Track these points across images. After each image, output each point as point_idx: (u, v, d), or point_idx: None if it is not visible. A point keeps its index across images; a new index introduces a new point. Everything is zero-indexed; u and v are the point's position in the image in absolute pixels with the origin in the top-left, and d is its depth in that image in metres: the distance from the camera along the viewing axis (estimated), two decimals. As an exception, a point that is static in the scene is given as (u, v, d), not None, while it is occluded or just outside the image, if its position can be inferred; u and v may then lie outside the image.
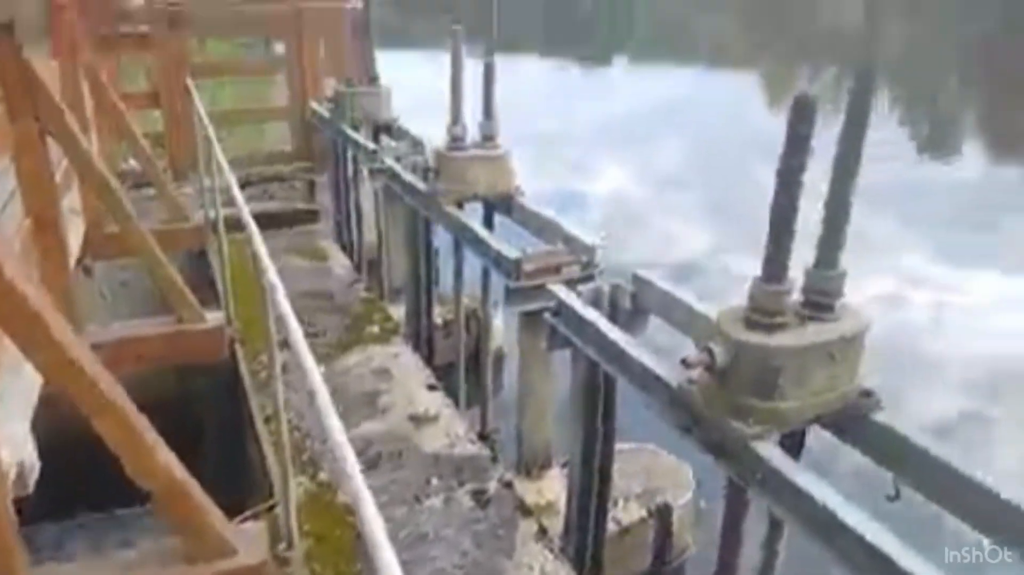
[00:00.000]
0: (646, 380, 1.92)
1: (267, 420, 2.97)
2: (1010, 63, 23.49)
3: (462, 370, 3.72)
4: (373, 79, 4.81)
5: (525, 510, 2.53)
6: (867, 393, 1.63)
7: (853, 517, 1.37)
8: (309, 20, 5.48)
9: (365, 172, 4.50)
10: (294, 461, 2.61)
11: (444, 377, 3.66)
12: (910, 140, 14.78)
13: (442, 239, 3.88)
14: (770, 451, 1.54)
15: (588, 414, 2.35)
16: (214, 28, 6.49)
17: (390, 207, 4.36)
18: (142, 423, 1.68)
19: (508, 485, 2.64)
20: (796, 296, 1.61)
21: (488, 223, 3.38)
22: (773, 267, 1.53)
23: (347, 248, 5.32)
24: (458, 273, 3.56)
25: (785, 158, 1.42)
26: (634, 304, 2.37)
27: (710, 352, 1.57)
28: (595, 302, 2.33)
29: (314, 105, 5.38)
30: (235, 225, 2.71)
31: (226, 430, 3.66)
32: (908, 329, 6.40)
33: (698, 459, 2.23)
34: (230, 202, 2.70)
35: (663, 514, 2.94)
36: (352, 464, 0.99)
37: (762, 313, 1.55)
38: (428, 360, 3.93)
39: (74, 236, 3.26)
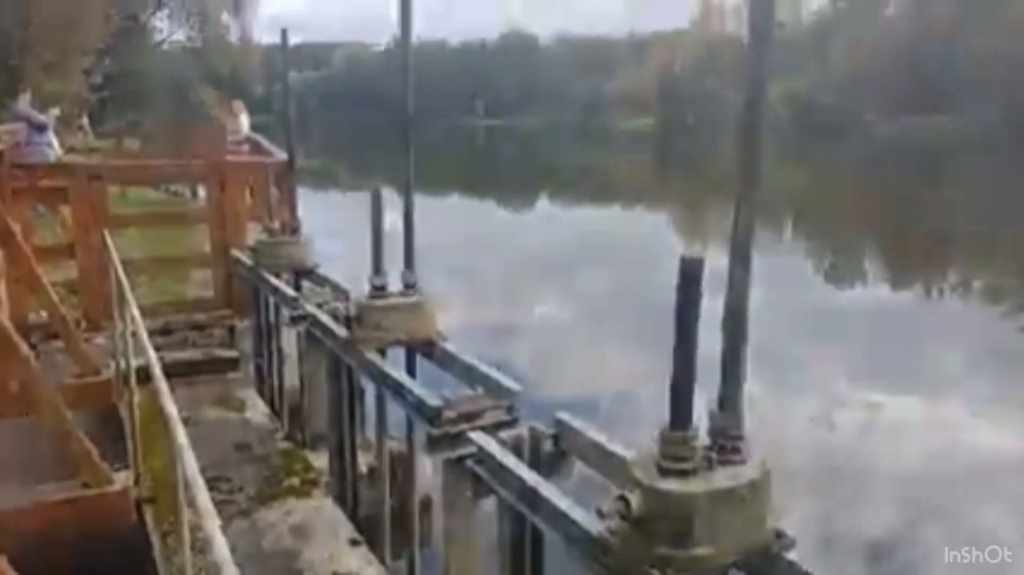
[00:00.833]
0: (568, 529, 1.91)
1: (175, 591, 2.76)
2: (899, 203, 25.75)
3: (387, 521, 3.59)
4: (295, 229, 4.90)
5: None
6: (779, 534, 1.66)
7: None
8: (232, 171, 5.61)
9: (287, 318, 4.48)
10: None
11: (368, 529, 3.52)
12: (816, 269, 15.81)
13: (366, 384, 3.85)
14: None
15: (515, 565, 2.30)
16: (136, 180, 6.55)
17: (312, 353, 4.32)
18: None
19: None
20: (703, 439, 1.67)
21: (410, 369, 3.39)
22: (678, 414, 1.59)
23: (268, 395, 5.19)
24: (381, 420, 3.51)
25: (679, 315, 1.52)
26: (556, 448, 2.39)
27: (625, 501, 1.59)
28: (517, 448, 2.34)
29: (236, 253, 5.40)
30: (149, 376, 2.64)
31: (131, 603, 3.37)
32: (838, 449, 6.57)
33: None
34: (146, 352, 2.64)
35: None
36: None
37: (672, 459, 1.60)
38: (352, 511, 3.78)
39: (-28, 397, 3.10)
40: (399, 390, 3.03)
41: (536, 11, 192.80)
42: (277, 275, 4.84)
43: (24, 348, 2.81)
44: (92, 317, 5.31)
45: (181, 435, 1.81)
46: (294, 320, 4.24)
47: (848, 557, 5.02)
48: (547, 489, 2.06)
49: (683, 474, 1.59)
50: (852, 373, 8.49)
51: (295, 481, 3.83)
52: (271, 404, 5.04)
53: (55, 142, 10.72)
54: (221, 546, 1.27)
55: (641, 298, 11.44)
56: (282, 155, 5.79)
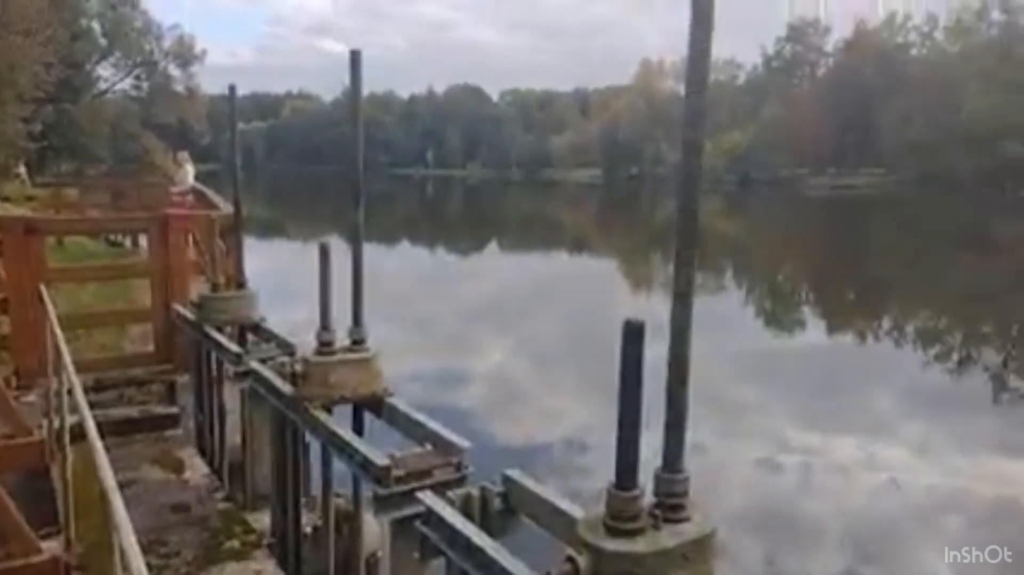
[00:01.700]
0: (518, 591, 1.90)
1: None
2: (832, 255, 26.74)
3: (332, 583, 3.49)
4: (240, 283, 4.84)
5: None
6: (724, 590, 1.69)
7: None
8: (175, 223, 5.53)
9: (230, 374, 4.39)
10: None
11: (313, 592, 3.41)
12: (755, 315, 16.24)
13: (312, 442, 3.78)
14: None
15: (464, 629, 2.26)
16: (75, 231, 6.39)
17: (255, 410, 4.23)
18: None
19: None
20: (649, 498, 1.69)
21: (358, 426, 3.35)
22: (624, 474, 1.62)
23: (208, 454, 5.03)
24: (327, 479, 3.44)
25: (623, 377, 1.57)
26: (505, 506, 2.38)
27: (573, 562, 1.60)
28: (466, 507, 2.33)
29: (178, 307, 5.29)
30: (83, 435, 2.55)
31: None
32: (782, 491, 6.67)
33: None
34: (80, 409, 2.55)
35: None
36: None
37: (619, 519, 1.62)
38: (295, 572, 3.66)
39: None
40: (345, 448, 2.99)
41: (484, 62, 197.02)
42: (221, 330, 4.75)
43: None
44: (24, 374, 5.09)
45: (116, 498, 1.75)
46: (237, 376, 4.15)
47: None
48: (496, 551, 2.05)
49: (630, 534, 1.61)
50: (793, 416, 8.70)
51: (235, 543, 3.69)
52: (211, 463, 4.88)
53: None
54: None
55: (588, 345, 11.54)
56: (228, 207, 5.73)
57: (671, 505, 1.66)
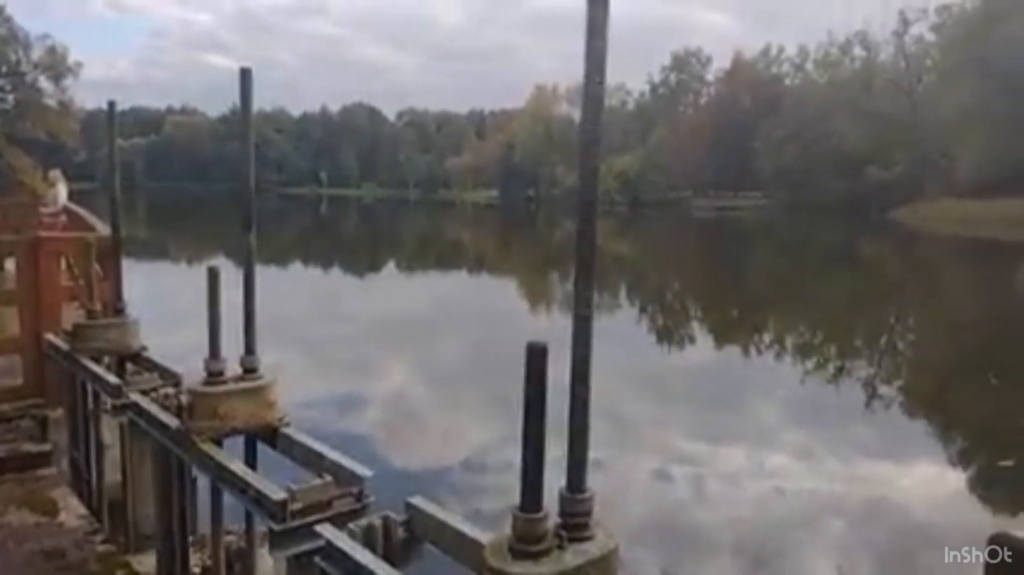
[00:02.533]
0: (423, 622, 1.86)
1: None
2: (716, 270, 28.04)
3: (224, 626, 3.30)
4: (119, 309, 4.55)
5: None
6: (628, 607, 1.72)
7: None
8: (46, 246, 5.14)
9: (108, 407, 4.10)
10: None
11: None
12: (649, 332, 16.78)
13: (201, 478, 3.58)
14: None
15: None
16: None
17: (137, 446, 3.97)
18: None
19: None
20: (554, 519, 1.71)
21: (251, 459, 3.20)
22: (529, 496, 1.63)
23: (85, 494, 4.67)
24: (217, 516, 3.26)
25: (527, 400, 1.58)
26: (409, 534, 2.33)
27: (479, 589, 1.58)
28: (368, 538, 2.26)
29: (50, 336, 4.91)
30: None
31: None
32: (678, 502, 6.86)
33: None
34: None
35: None
36: None
37: (525, 542, 1.62)
38: (184, 618, 3.44)
39: None
40: (238, 483, 2.85)
41: (380, 81, 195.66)
42: (97, 360, 4.44)
43: None
44: None
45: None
46: (116, 409, 3.89)
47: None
48: (400, 581, 2.00)
49: (535, 556, 1.62)
50: (685, 428, 9.02)
51: (116, 590, 3.44)
52: (89, 503, 4.53)
53: None
54: None
55: (490, 365, 11.58)
56: (105, 228, 5.38)
57: (575, 524, 1.68)
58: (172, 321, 9.70)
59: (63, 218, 11.28)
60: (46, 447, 4.97)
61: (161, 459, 3.61)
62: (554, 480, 1.73)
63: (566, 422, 1.70)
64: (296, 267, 28.42)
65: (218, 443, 3.15)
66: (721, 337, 16.03)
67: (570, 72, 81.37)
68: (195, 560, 3.88)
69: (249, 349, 3.18)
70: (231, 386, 3.14)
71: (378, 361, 12.29)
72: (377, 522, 2.31)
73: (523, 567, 1.61)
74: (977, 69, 49.43)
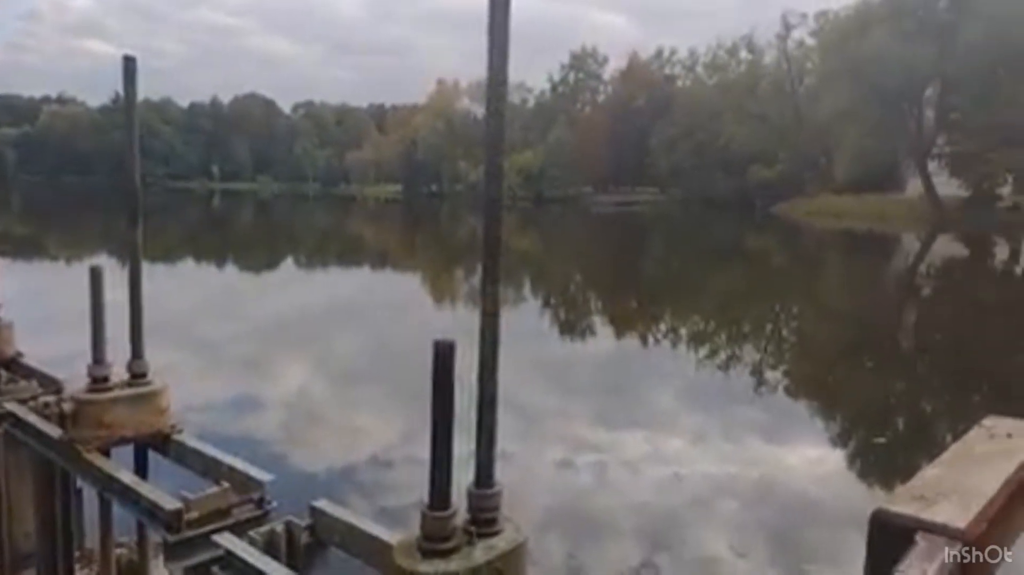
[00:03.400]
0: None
1: None
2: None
3: (115, 646, 3.12)
4: (-10, 311, 4.20)
5: None
6: (536, 597, 1.74)
7: None
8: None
9: (-22, 419, 3.78)
10: None
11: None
12: (552, 324, 17.05)
13: (87, 490, 3.36)
14: None
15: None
16: None
17: (14, 458, 3.69)
18: None
19: None
20: (463, 515, 1.71)
21: (142, 468, 3.04)
22: (437, 494, 1.63)
23: (-49, 514, 4.29)
24: (106, 529, 3.08)
25: (435, 397, 1.57)
26: (314, 539, 2.28)
27: (389, 590, 1.57)
28: (271, 545, 2.20)
29: (-95, 343, 4.47)
30: None
31: None
32: (582, 491, 7.01)
33: None
34: None
35: None
36: None
37: (433, 540, 1.62)
38: (68, 642, 3.23)
39: None
40: (128, 494, 2.70)
41: (275, 73, 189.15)
42: (-36, 368, 4.08)
43: None
44: None
45: None
46: (-12, 421, 3.59)
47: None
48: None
49: (444, 554, 1.62)
50: (588, 417, 9.24)
51: (-10, 617, 3.18)
52: (-46, 525, 4.16)
53: None
54: None
55: (395, 360, 11.46)
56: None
57: (484, 520, 1.69)
58: (52, 324, 9.06)
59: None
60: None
61: (42, 472, 3.37)
62: (463, 476, 1.74)
63: (474, 418, 1.71)
64: (187, 265, 27.13)
65: (105, 453, 2.97)
66: (622, 328, 16.50)
67: (471, 68, 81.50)
68: (81, 577, 3.65)
69: (136, 353, 3.02)
70: (118, 392, 2.97)
71: (279, 361, 11.91)
72: (279, 528, 2.25)
73: (433, 566, 1.61)
74: (850, 74, 52.91)
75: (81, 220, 47.30)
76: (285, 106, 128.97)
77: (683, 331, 16.35)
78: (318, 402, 9.72)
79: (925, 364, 13.70)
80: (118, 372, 3.04)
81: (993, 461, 1.09)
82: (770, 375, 12.19)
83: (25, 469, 3.60)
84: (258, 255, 31.47)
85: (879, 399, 10.74)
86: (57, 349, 5.23)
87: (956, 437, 1.28)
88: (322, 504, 2.26)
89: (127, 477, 2.80)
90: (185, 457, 2.96)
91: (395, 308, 17.70)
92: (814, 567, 5.51)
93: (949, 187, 53.86)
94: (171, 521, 2.43)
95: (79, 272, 3.11)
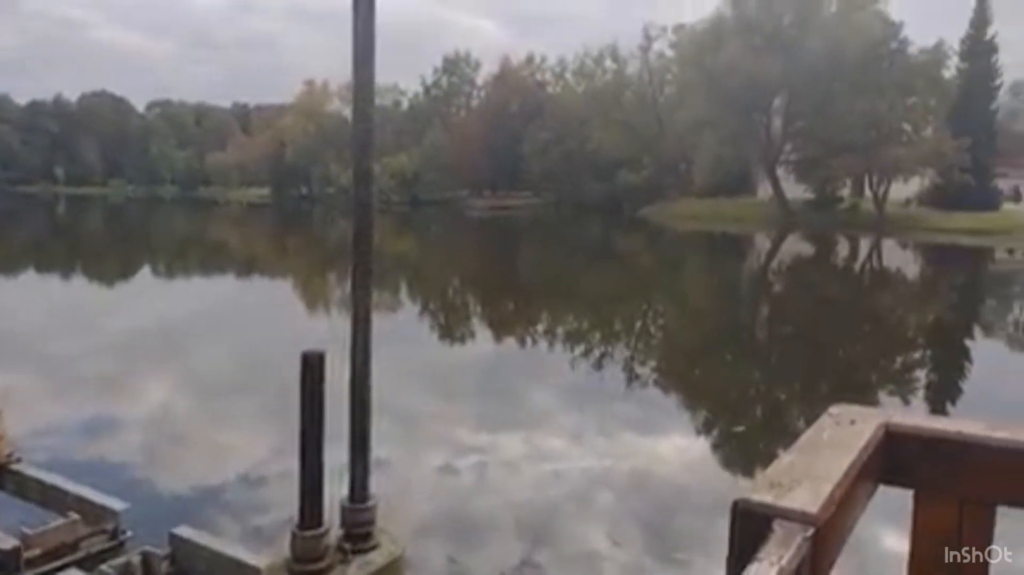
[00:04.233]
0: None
1: None
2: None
3: None
4: None
5: None
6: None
7: None
8: None
9: None
10: None
11: None
12: (431, 328, 16.96)
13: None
14: None
15: None
16: None
17: None
18: None
19: None
20: (336, 532, 1.65)
21: (-28, 504, 2.73)
22: (308, 512, 1.56)
23: None
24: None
25: (303, 411, 1.50)
26: (173, 568, 2.13)
27: (258, 617, 1.48)
28: (125, 579, 2.03)
29: None
30: None
31: None
32: (464, 493, 6.99)
33: None
34: None
35: None
36: None
37: (304, 561, 1.55)
38: None
39: None
40: (-45, 535, 2.41)
41: (126, 69, 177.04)
42: None
43: None
44: None
45: None
46: None
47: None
48: (166, 621, 1.82)
49: (316, 574, 1.55)
50: (468, 420, 9.25)
51: None
52: None
53: None
54: None
55: (265, 373, 10.98)
56: None
57: (359, 535, 1.64)
58: None
59: None
60: None
61: None
62: (339, 489, 1.67)
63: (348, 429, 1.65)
64: (28, 277, 24.81)
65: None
66: (500, 329, 16.66)
67: (343, 68, 79.46)
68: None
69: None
70: (-60, 422, 2.65)
71: (138, 378, 11.10)
72: (136, 559, 2.09)
73: (305, 587, 1.54)
74: (706, 85, 56.21)
75: None
76: (139, 104, 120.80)
77: (559, 331, 16.74)
78: (182, 420, 9.13)
79: (777, 355, 14.77)
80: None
81: (839, 447, 1.18)
82: (640, 370, 12.71)
83: None
84: (110, 264, 29.27)
85: (738, 390, 11.46)
86: None
87: (808, 423, 1.36)
88: (183, 531, 2.11)
89: (-47, 516, 2.50)
90: (26, 489, 2.70)
91: (266, 317, 16.98)
92: (683, 553, 5.78)
93: (796, 191, 58.50)
94: (6, 561, 2.20)
95: None
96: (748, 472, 7.51)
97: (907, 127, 54.68)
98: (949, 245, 40.66)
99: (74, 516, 2.37)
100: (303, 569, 1.53)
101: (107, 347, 12.88)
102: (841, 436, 1.22)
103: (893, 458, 1.28)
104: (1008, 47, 60.78)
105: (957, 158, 49.81)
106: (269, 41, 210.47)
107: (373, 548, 1.61)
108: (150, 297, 20.62)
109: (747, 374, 12.72)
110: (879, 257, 37.25)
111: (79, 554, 2.25)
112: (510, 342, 15.49)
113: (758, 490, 1.00)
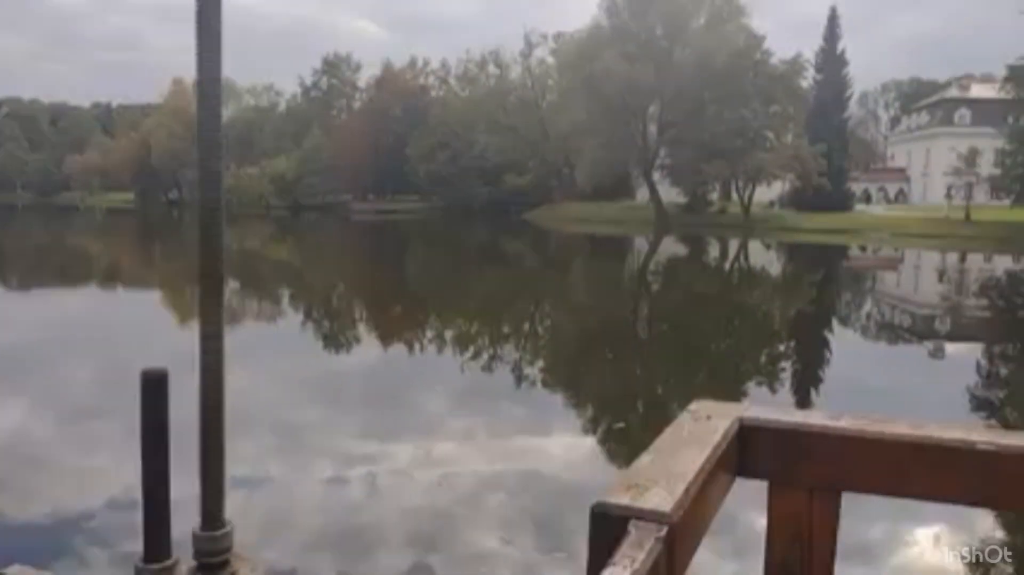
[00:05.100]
0: None
1: None
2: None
3: None
4: None
5: None
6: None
7: None
8: None
9: None
10: None
11: None
12: (316, 336, 16.45)
13: None
14: None
15: None
16: None
17: None
18: None
19: None
20: (190, 564, 1.53)
21: None
22: (153, 544, 1.43)
23: None
24: None
25: (145, 433, 1.38)
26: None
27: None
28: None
29: None
30: None
31: None
32: (352, 505, 6.79)
33: None
34: None
35: None
36: None
37: (151, 597, 1.42)
38: None
39: None
40: None
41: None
42: None
43: None
44: None
45: None
46: None
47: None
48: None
49: (165, 610, 1.43)
50: (356, 430, 9.02)
51: None
52: None
53: None
54: None
55: (126, 390, 10.23)
56: None
57: (212, 564, 1.52)
58: None
59: None
60: None
61: None
62: (194, 515, 1.55)
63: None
64: None
65: None
66: (387, 335, 16.38)
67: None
68: None
69: None
70: None
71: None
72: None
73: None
74: (585, 91, 57.86)
75: None
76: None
77: (448, 335, 16.66)
78: (27, 447, 8.36)
79: (655, 352, 15.34)
80: None
81: (695, 443, 1.19)
82: (528, 371, 12.84)
83: None
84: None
85: (618, 388, 11.80)
86: None
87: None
88: (15, 571, 1.90)
89: None
90: None
91: (128, 332, 15.88)
92: (574, 547, 5.87)
93: (671, 194, 61.29)
94: None
95: None
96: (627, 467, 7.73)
97: (770, 134, 58.56)
98: (808, 244, 43.86)
99: None
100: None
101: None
102: (698, 432, 1.24)
103: (747, 451, 1.32)
104: (854, 59, 66.39)
105: (814, 163, 53.91)
106: (135, 39, 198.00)
107: (230, 575, 1.50)
108: (-3, 313, 18.84)
109: (629, 370, 13.14)
110: (746, 256, 39.62)
111: None
112: (399, 348, 15.26)
113: (615, 492, 1.00)
